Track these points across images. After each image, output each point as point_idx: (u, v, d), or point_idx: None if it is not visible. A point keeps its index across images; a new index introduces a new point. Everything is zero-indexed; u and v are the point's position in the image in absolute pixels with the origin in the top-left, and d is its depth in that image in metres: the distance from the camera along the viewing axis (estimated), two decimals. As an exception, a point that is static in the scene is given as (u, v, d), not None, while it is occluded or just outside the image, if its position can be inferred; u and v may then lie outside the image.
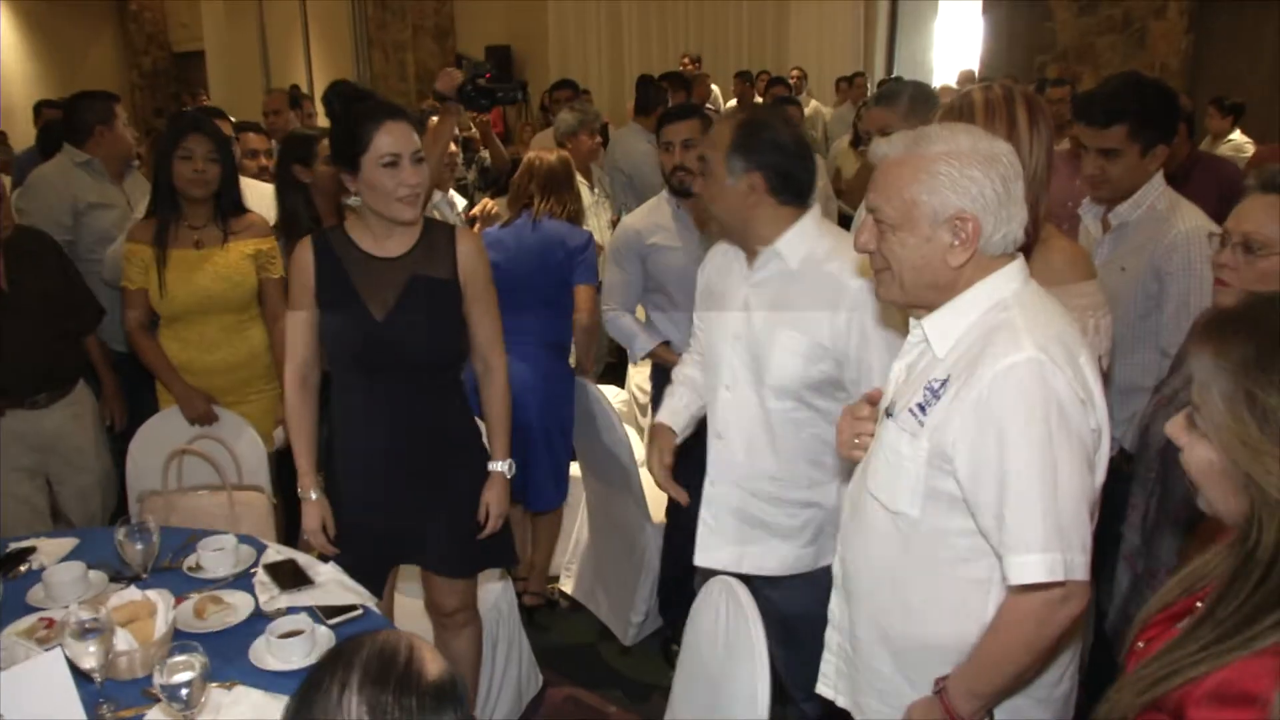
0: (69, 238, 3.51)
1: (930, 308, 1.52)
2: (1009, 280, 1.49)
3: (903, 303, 1.56)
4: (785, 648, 2.05)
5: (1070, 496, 1.38)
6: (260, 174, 3.76)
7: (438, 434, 2.30)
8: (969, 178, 1.41)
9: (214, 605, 1.97)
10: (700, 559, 2.22)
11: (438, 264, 2.24)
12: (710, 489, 2.21)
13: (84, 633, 1.61)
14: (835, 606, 1.74)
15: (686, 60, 9.88)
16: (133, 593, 1.85)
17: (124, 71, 15.77)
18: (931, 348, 1.51)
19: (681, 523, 2.56)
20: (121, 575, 2.10)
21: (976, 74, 8.28)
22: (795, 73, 9.30)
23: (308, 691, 0.99)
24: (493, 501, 2.34)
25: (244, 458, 2.73)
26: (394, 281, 2.21)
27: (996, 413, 1.38)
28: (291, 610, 1.95)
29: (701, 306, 2.30)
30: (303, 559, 2.15)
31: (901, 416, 1.51)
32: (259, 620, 1.94)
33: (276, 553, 2.20)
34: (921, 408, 1.48)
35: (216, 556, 2.12)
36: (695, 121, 3.04)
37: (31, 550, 2.24)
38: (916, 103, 2.65)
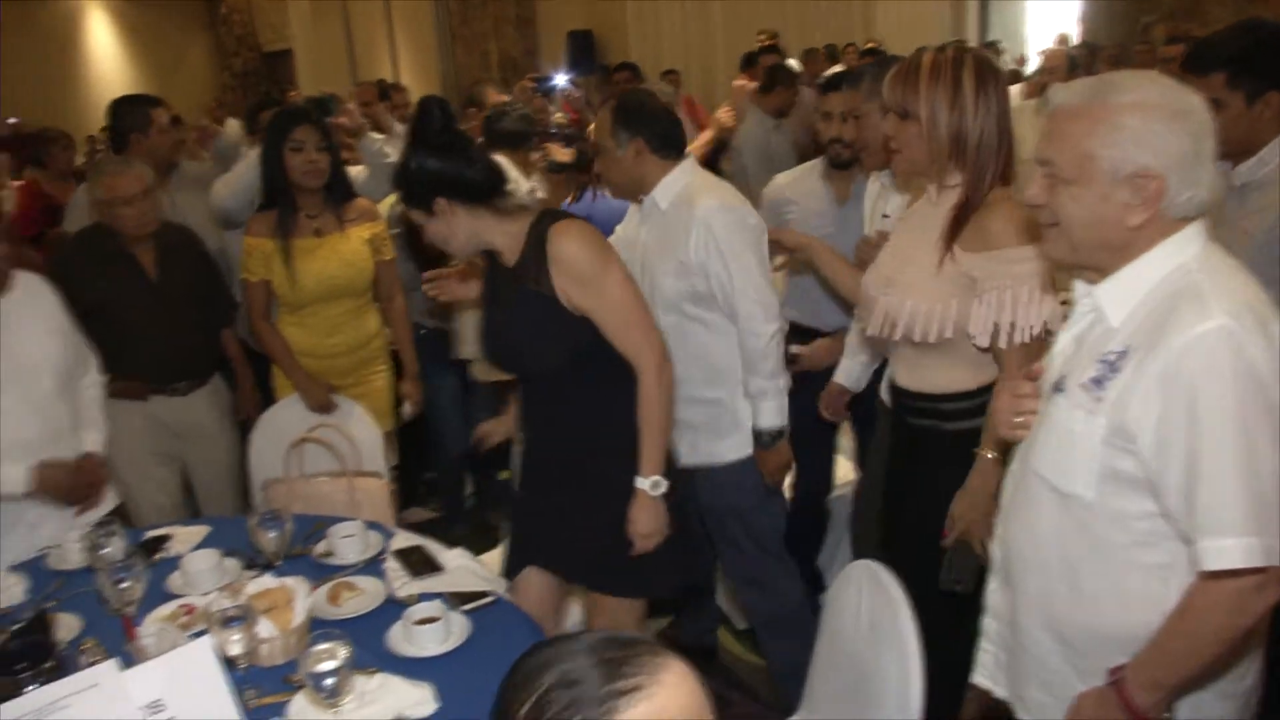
0: None
1: (1101, 271, 1.42)
2: (1189, 242, 1.38)
3: (1071, 262, 1.46)
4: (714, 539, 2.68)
5: (1270, 475, 1.27)
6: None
7: (578, 438, 2.12)
8: (1154, 132, 1.30)
9: (347, 591, 1.97)
10: None
11: (537, 275, 2.01)
12: None
13: (228, 621, 1.62)
14: (994, 593, 1.65)
15: (764, 37, 9.70)
16: (269, 580, 1.86)
17: (217, 73, 16.24)
18: (1105, 316, 1.41)
19: None
20: (255, 563, 2.12)
21: (1077, 38, 7.95)
22: (858, 45, 9.05)
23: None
24: (632, 520, 2.05)
25: (362, 444, 2.74)
26: (508, 291, 2.10)
27: (1186, 386, 1.28)
28: (424, 597, 1.94)
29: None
30: (430, 545, 2.14)
31: (1073, 392, 1.42)
32: (392, 606, 1.93)
33: (404, 539, 2.19)
34: (1097, 382, 1.38)
35: (346, 543, 2.13)
36: (857, 92, 2.79)
37: (167, 538, 2.28)
38: (878, 81, 2.48)
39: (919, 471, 2.12)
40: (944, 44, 2.01)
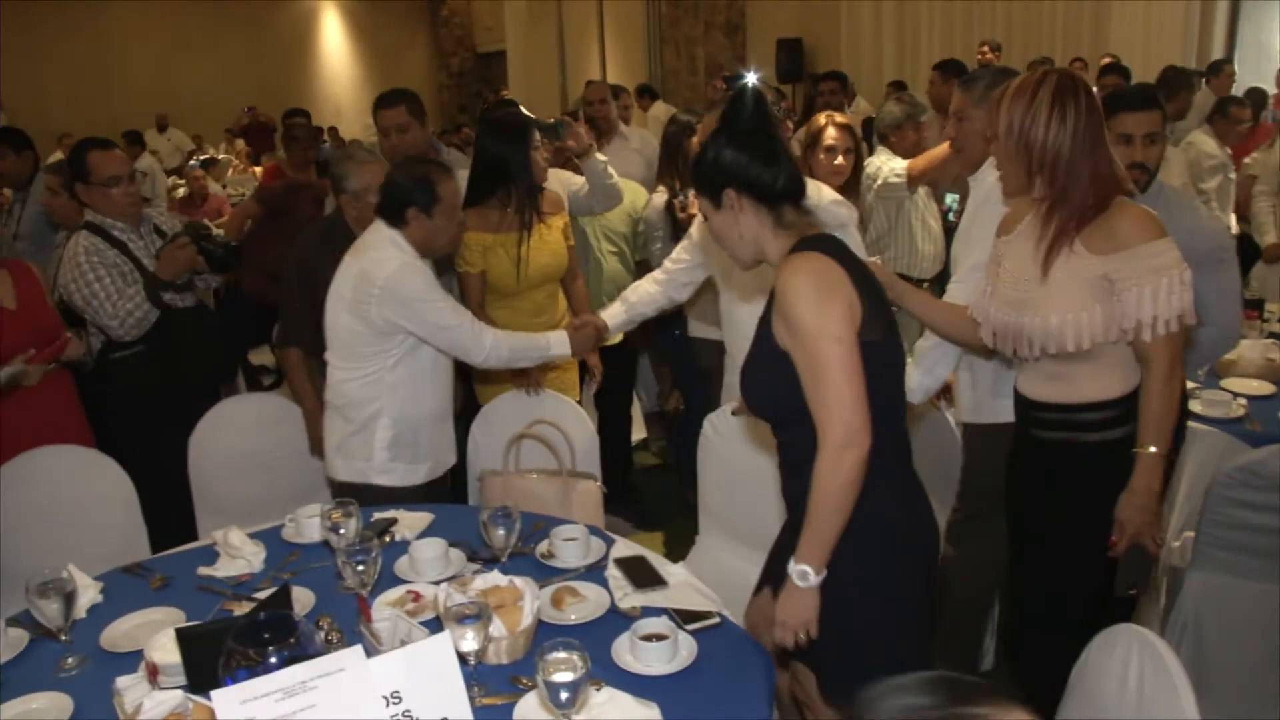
0: None
1: None
2: None
3: None
4: None
5: None
6: None
7: (785, 492, 1.91)
8: None
9: (571, 597, 1.93)
10: None
11: (771, 302, 1.84)
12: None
13: (463, 618, 1.60)
14: None
15: (986, 49, 9.26)
16: (497, 577, 1.84)
17: (434, 72, 17.04)
18: None
19: None
20: (478, 556, 2.12)
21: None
22: (1086, 59, 8.49)
23: None
24: (778, 607, 1.78)
25: (578, 443, 2.73)
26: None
27: None
28: (647, 611, 1.88)
29: None
30: (653, 557, 2.08)
31: None
32: (614, 617, 1.89)
33: (625, 547, 2.15)
34: None
35: (569, 546, 2.10)
36: (1158, 112, 2.57)
37: (394, 521, 2.32)
38: (991, 89, 2.47)
39: (1056, 486, 2.12)
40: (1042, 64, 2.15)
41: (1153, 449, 1.97)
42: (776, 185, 1.81)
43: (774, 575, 1.93)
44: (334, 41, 16.35)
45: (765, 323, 1.84)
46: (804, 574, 1.72)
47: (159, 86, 13.28)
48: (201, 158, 10.03)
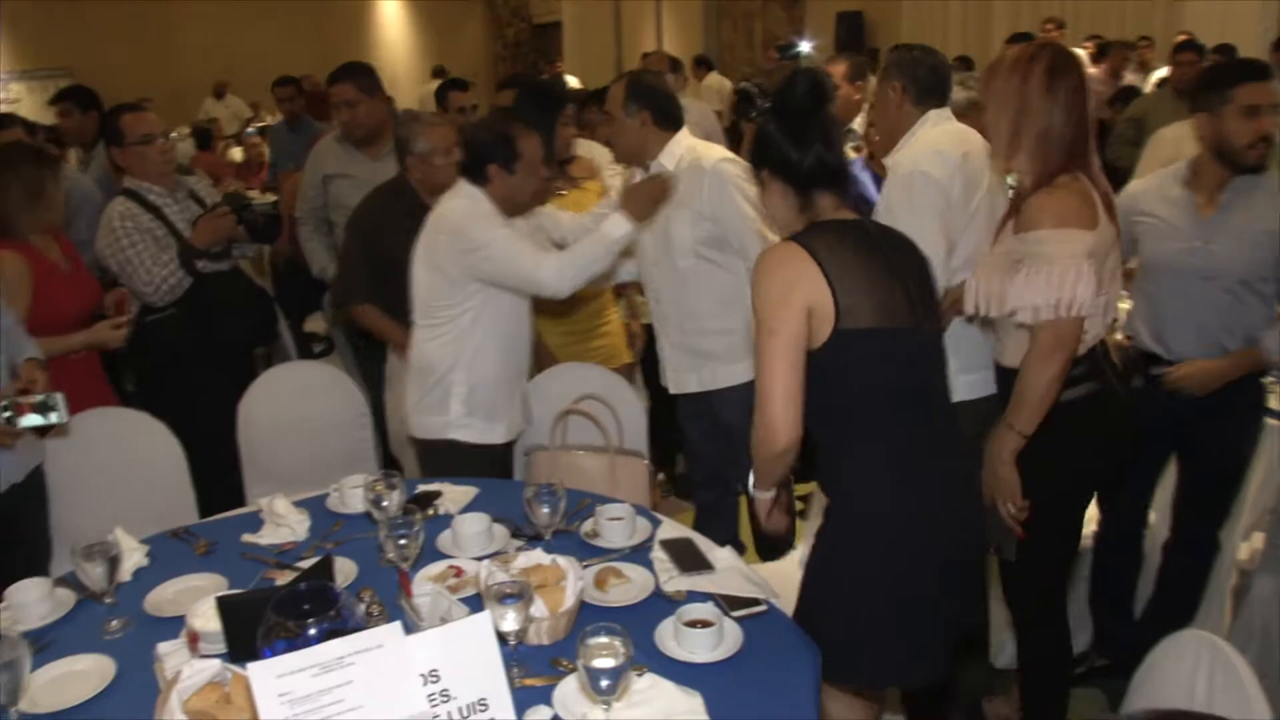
0: (320, 203, 3.82)
1: None
2: None
3: None
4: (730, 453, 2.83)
5: None
6: None
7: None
8: None
9: (614, 578, 1.89)
10: (673, 389, 3.02)
11: None
12: (662, 340, 3.03)
13: (504, 597, 1.57)
14: None
15: (1050, 25, 8.98)
16: (540, 555, 1.81)
17: (490, 43, 17.00)
18: None
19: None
20: (522, 533, 2.09)
21: None
22: (1154, 40, 8.21)
23: None
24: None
25: (626, 420, 2.68)
26: None
27: None
28: (692, 595, 1.84)
29: None
30: (700, 540, 2.03)
31: None
32: (658, 600, 1.84)
33: (671, 528, 2.10)
34: None
35: (614, 526, 2.05)
36: (1275, 82, 2.49)
37: (438, 494, 2.30)
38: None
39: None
40: (1035, 40, 2.37)
41: (1012, 426, 2.04)
42: (802, 166, 1.80)
43: None
44: (391, 11, 16.38)
45: None
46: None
47: (218, 53, 13.39)
48: (259, 125, 10.09)
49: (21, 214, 2.86)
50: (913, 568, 1.80)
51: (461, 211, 2.55)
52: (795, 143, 1.80)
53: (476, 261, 2.52)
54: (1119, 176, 3.30)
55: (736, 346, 2.83)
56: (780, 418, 1.74)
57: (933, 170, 2.42)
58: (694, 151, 2.80)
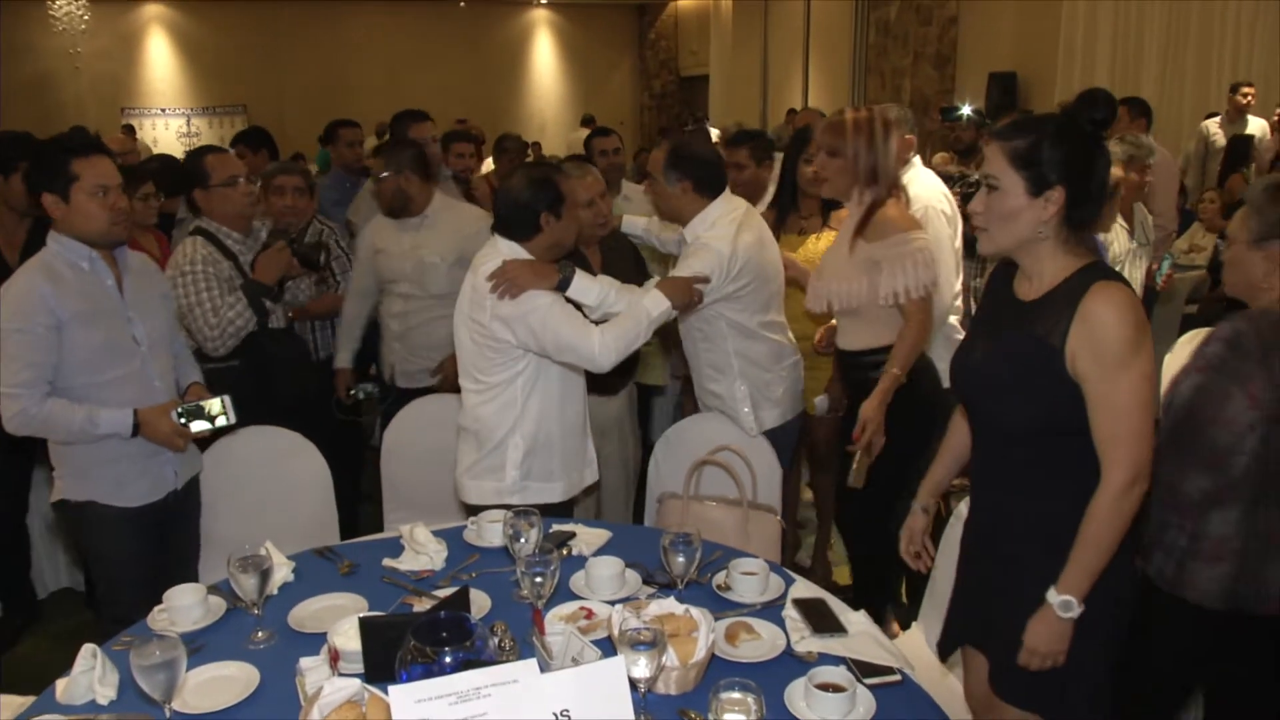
0: None
1: None
2: None
3: None
4: None
5: None
6: None
7: (1021, 513, 1.86)
8: None
9: (746, 633, 1.86)
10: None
11: (1056, 322, 1.74)
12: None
13: (637, 644, 1.56)
14: None
15: (1246, 92, 8.32)
16: (673, 605, 1.80)
17: (637, 93, 17.39)
18: None
19: None
20: (654, 579, 2.08)
21: None
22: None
23: None
24: (1028, 631, 1.79)
25: (761, 474, 2.66)
26: (1012, 324, 1.84)
27: None
28: (824, 658, 1.79)
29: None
30: (834, 602, 1.98)
31: None
32: (789, 660, 1.80)
33: (805, 588, 2.06)
34: None
35: (747, 580, 2.03)
36: None
37: (572, 535, 2.32)
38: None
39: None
40: (860, 106, 3.00)
41: (895, 370, 2.65)
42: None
43: (975, 624, 1.99)
44: (544, 60, 16.95)
45: (1031, 339, 1.77)
46: (1068, 604, 1.74)
47: (382, 96, 14.13)
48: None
49: None
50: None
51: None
52: (1086, 161, 1.77)
53: (524, 330, 2.49)
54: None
55: (740, 403, 2.98)
56: (1149, 457, 1.74)
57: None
58: (714, 228, 2.82)
